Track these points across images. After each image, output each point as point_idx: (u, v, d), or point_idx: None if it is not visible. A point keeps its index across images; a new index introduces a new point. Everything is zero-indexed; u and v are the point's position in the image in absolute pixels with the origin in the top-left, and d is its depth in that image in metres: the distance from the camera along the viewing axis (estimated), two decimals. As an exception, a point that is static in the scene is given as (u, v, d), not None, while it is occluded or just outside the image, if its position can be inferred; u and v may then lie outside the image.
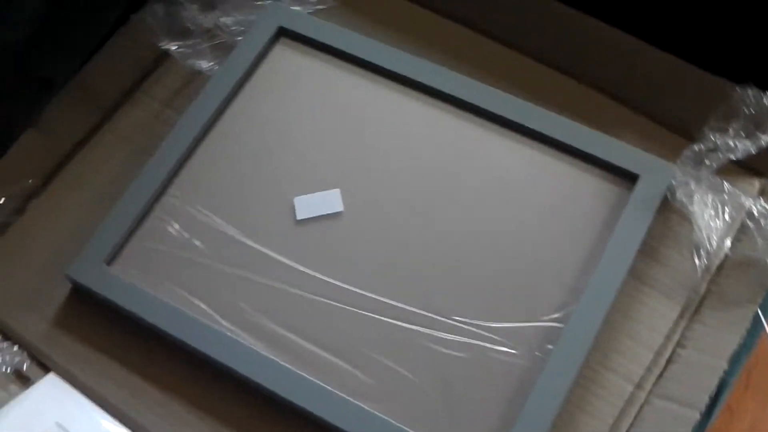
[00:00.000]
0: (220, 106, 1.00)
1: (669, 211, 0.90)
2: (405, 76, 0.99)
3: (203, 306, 0.89)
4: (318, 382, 0.83)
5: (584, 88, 1.00)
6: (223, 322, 0.88)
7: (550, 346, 0.83)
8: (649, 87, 0.97)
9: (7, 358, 0.89)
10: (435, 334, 0.85)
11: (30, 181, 0.99)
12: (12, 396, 0.88)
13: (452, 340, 0.85)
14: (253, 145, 0.98)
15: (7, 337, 0.91)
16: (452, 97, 0.97)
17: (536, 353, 0.83)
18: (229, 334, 0.86)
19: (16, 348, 0.91)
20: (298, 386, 0.83)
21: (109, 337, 0.90)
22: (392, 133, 0.97)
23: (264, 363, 0.84)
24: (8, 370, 0.89)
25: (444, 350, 0.85)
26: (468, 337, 0.85)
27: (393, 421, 0.81)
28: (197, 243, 0.92)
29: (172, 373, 0.88)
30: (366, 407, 0.82)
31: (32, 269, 0.95)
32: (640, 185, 0.89)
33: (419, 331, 0.86)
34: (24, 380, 0.89)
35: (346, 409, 0.82)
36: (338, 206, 0.93)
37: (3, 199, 0.97)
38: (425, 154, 0.96)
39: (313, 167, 0.96)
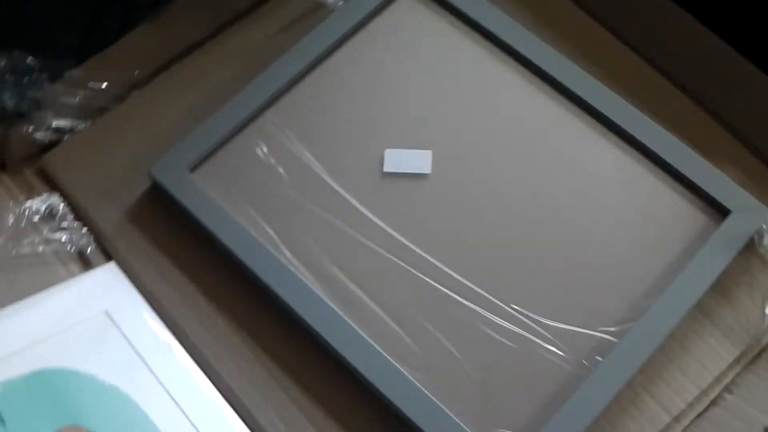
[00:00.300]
0: (335, 42, 0.99)
1: (751, 254, 0.88)
2: (524, 57, 0.98)
3: (272, 234, 0.89)
4: (364, 335, 0.84)
5: (698, 110, 0.97)
6: (288, 254, 0.88)
7: (599, 358, 0.82)
8: (763, 125, 0.95)
9: (74, 237, 0.91)
10: (490, 317, 0.85)
11: (136, 72, 1.00)
12: (70, 275, 0.89)
13: (505, 327, 0.84)
14: (356, 88, 0.98)
15: (79, 218, 0.93)
16: (564, 87, 0.96)
17: (584, 361, 0.83)
18: (290, 267, 0.87)
19: (85, 230, 0.92)
20: (343, 334, 0.84)
21: (176, 241, 0.91)
22: (496, 109, 0.96)
23: (317, 304, 0.85)
24: (72, 250, 0.91)
25: (495, 335, 0.84)
26: (521, 329, 0.84)
27: (426, 391, 0.81)
28: (281, 171, 0.93)
29: (227, 291, 0.89)
30: (404, 371, 0.82)
31: (118, 158, 0.96)
32: (729, 221, 0.88)
33: (475, 311, 0.85)
34: (85, 263, 0.91)
35: (384, 369, 0.82)
36: (426, 168, 0.93)
37: (106, 84, 0.98)
38: (524, 137, 0.95)
39: (410, 124, 0.95)
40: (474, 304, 0.86)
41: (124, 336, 0.86)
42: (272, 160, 0.93)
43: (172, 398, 0.83)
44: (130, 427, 0.81)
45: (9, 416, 0.80)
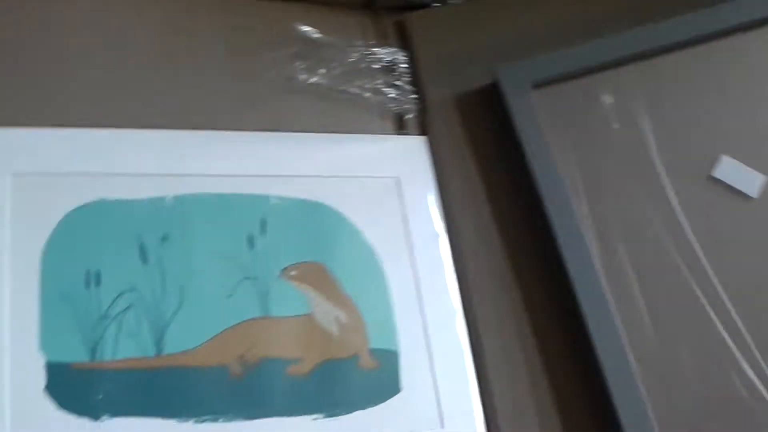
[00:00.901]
0: (731, 28, 0.94)
1: None
2: None
3: (578, 180, 0.88)
4: (613, 312, 0.82)
5: None
6: (584, 207, 0.87)
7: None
8: None
9: (402, 98, 0.92)
10: (743, 365, 0.80)
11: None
12: (381, 131, 0.91)
13: (752, 381, 0.79)
14: (726, 81, 0.93)
15: (414, 83, 0.93)
16: None
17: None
18: (579, 219, 0.85)
19: (414, 96, 0.92)
20: (596, 302, 0.82)
21: (491, 144, 0.91)
22: None
23: (587, 266, 0.83)
24: (395, 109, 0.92)
25: (736, 381, 0.80)
26: (765, 388, 0.79)
27: (641, 386, 0.79)
28: (615, 127, 0.90)
29: (513, 211, 0.88)
30: (631, 358, 0.80)
31: (474, 43, 0.95)
32: None
33: (732, 352, 0.81)
34: (399, 126, 0.92)
35: (617, 349, 0.80)
36: (754, 191, 0.87)
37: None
38: None
39: (759, 141, 0.90)
40: (734, 346, 0.81)
41: (403, 208, 0.86)
42: (612, 113, 0.91)
43: (418, 284, 0.84)
44: (367, 289, 0.83)
45: (271, 227, 0.82)
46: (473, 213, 0.87)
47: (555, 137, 0.88)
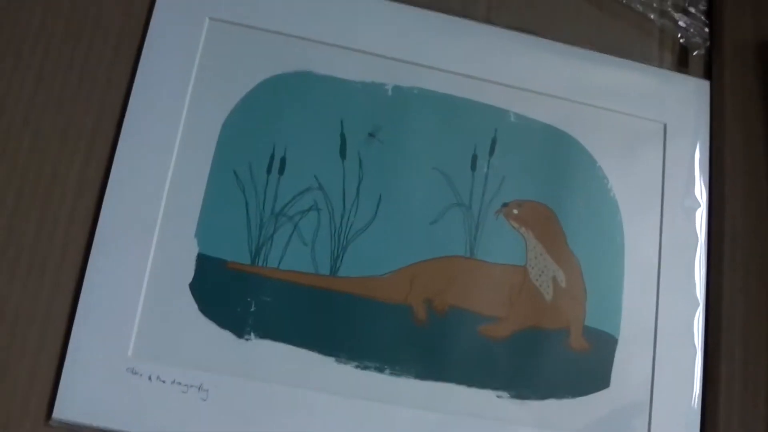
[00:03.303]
0: None
1: None
2: None
3: None
4: None
5: None
6: None
7: None
8: None
9: (692, 31, 0.69)
10: None
11: None
12: (658, 63, 0.68)
13: None
14: None
15: (711, 18, 0.70)
16: None
17: None
18: None
19: (707, 31, 0.69)
20: None
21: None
22: None
23: None
24: (681, 40, 0.69)
25: None
26: None
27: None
28: None
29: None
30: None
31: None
32: None
33: None
34: (680, 62, 0.69)
35: None
36: None
37: None
38: None
39: None
40: None
41: (664, 164, 0.65)
42: None
43: (660, 260, 0.63)
44: (598, 252, 0.62)
45: (502, 150, 0.62)
46: (748, 191, 0.65)
47: None
